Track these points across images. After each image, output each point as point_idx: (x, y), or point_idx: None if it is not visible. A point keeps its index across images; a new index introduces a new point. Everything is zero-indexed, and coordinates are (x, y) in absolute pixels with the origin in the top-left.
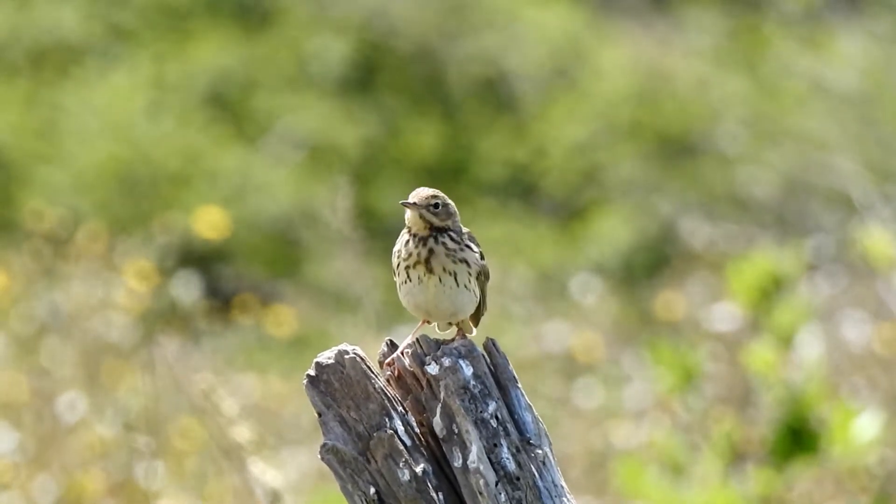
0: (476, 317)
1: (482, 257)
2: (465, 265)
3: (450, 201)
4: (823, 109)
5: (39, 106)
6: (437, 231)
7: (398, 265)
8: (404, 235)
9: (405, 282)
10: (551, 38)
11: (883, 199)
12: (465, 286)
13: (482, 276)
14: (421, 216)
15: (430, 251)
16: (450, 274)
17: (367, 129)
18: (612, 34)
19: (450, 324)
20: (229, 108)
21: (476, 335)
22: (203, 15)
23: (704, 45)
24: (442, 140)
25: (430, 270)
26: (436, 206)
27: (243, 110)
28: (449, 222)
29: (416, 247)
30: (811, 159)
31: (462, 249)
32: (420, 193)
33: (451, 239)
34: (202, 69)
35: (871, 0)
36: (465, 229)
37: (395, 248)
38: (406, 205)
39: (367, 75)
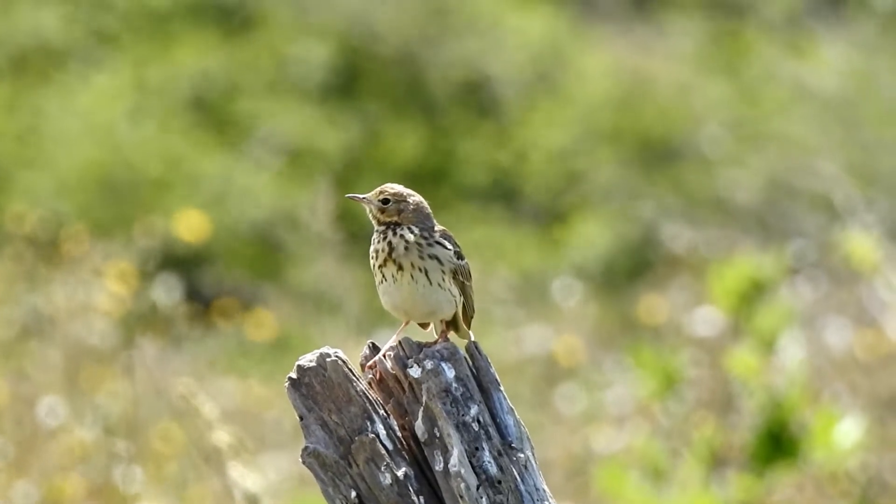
0: (466, 318)
1: (460, 257)
2: (436, 262)
3: (411, 199)
4: (805, 114)
5: (21, 110)
6: (388, 225)
7: (373, 266)
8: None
9: (381, 282)
10: (533, 43)
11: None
12: (440, 285)
13: (459, 276)
14: (369, 210)
15: (389, 244)
16: (420, 270)
17: (349, 133)
18: (593, 39)
19: (442, 321)
20: (211, 113)
21: (457, 338)
22: (185, 19)
23: (686, 50)
24: (423, 144)
25: (400, 267)
26: (384, 201)
27: (225, 115)
28: (396, 217)
29: (379, 242)
30: (793, 163)
31: (431, 245)
32: (378, 188)
33: (411, 231)
34: (184, 73)
35: (852, 5)
36: (438, 227)
37: (370, 250)
38: (351, 198)
39: (349, 80)
